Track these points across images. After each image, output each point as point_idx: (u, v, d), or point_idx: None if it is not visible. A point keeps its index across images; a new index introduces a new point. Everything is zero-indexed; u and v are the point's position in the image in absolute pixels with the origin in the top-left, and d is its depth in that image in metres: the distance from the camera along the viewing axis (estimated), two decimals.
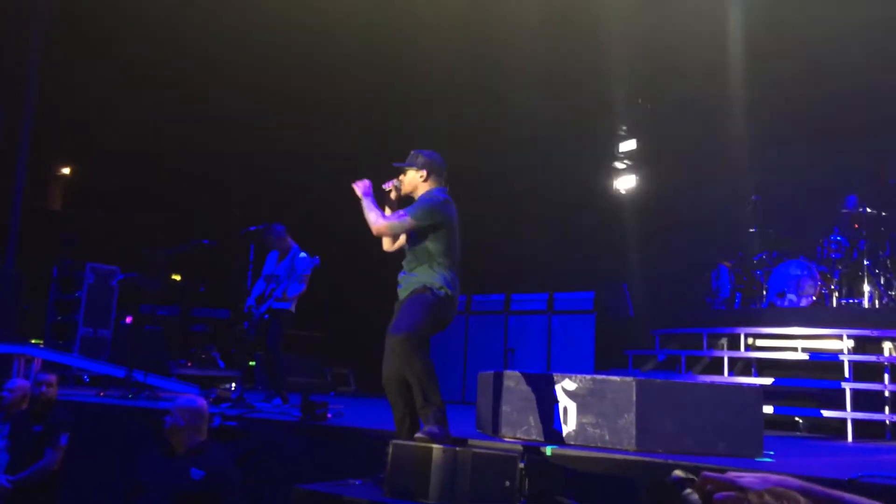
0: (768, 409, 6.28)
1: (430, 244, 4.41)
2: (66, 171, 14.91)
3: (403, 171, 4.62)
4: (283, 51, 11.99)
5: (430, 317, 4.25)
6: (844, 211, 7.94)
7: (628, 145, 11.45)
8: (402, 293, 4.45)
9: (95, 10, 11.86)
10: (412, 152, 4.67)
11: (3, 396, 5.67)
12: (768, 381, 6.76)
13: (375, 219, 4.42)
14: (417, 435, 4.04)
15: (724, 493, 1.19)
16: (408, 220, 4.39)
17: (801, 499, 1.16)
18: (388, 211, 4.60)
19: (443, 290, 4.32)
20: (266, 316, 7.18)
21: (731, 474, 1.22)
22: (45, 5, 11.90)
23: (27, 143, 11.81)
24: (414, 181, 4.59)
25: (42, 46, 11.90)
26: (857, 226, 7.85)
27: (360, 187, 4.53)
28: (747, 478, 1.20)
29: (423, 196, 4.55)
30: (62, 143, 13.32)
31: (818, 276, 7.65)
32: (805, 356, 6.92)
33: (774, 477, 1.21)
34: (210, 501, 4.14)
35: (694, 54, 10.05)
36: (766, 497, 1.17)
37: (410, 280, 4.42)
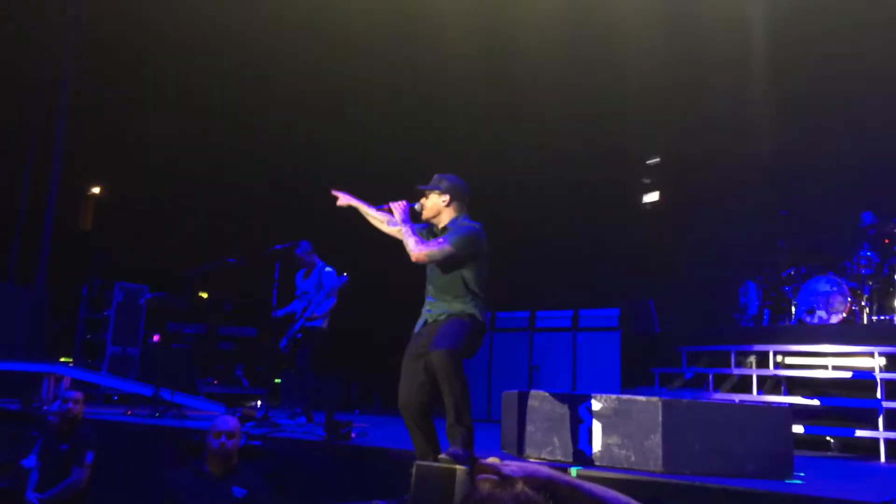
0: (798, 429, 6.19)
1: (466, 273, 4.34)
2: (97, 190, 15.13)
3: (425, 195, 4.54)
4: (312, 72, 12.14)
5: (468, 339, 4.21)
6: (862, 227, 7.85)
7: (654, 161, 11.39)
8: (434, 317, 4.36)
9: (125, 32, 12.11)
10: (436, 176, 4.58)
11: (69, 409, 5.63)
12: (798, 399, 6.65)
13: (415, 245, 4.30)
14: (441, 455, 4.01)
15: (485, 475, 1.44)
16: (448, 249, 4.28)
17: (554, 485, 1.43)
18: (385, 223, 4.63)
19: (478, 321, 4.29)
20: (299, 335, 7.23)
21: (500, 462, 1.51)
22: (76, 28, 12.14)
23: (59, 164, 12.03)
24: (436, 206, 4.50)
25: (73, 68, 12.14)
26: (886, 241, 7.73)
27: (398, 211, 4.44)
28: (511, 466, 1.48)
29: (458, 224, 4.44)
30: (93, 163, 13.52)
31: (848, 293, 7.53)
32: (836, 374, 6.80)
33: (531, 466, 1.49)
34: None
35: (719, 68, 9.99)
36: (520, 485, 1.39)
37: (444, 306, 4.34)
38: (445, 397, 4.07)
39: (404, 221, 4.41)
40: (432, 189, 4.52)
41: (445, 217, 4.51)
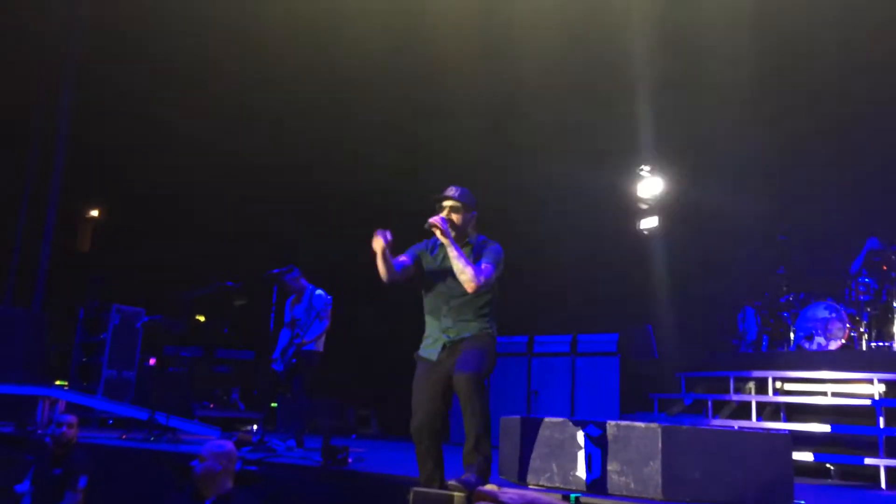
0: (798, 456, 6.14)
1: (493, 294, 4.32)
2: (95, 213, 15.14)
3: (452, 206, 4.31)
4: (309, 99, 12.21)
5: (490, 360, 4.21)
6: (869, 251, 7.85)
7: (653, 185, 11.39)
8: (453, 341, 4.23)
9: (124, 55, 12.19)
10: (456, 189, 4.36)
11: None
12: (798, 426, 6.61)
13: (475, 276, 4.09)
14: (451, 482, 3.91)
15: (483, 503, 1.63)
16: (493, 274, 4.19)
17: None
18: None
19: (495, 339, 4.30)
20: (294, 360, 7.18)
21: (498, 491, 1.63)
22: (75, 51, 12.23)
23: (57, 186, 12.05)
24: (467, 221, 4.35)
25: (72, 91, 12.20)
26: (885, 267, 7.73)
27: (447, 233, 4.16)
28: (510, 493, 1.62)
29: (487, 244, 4.34)
30: (91, 185, 13.55)
31: (847, 319, 7.52)
32: (835, 401, 6.77)
33: (531, 494, 1.79)
34: None
35: (718, 91, 10.02)
36: None
37: (464, 327, 4.26)
38: (467, 421, 3.98)
39: (454, 243, 4.18)
40: (466, 202, 4.34)
41: (466, 233, 4.39)
